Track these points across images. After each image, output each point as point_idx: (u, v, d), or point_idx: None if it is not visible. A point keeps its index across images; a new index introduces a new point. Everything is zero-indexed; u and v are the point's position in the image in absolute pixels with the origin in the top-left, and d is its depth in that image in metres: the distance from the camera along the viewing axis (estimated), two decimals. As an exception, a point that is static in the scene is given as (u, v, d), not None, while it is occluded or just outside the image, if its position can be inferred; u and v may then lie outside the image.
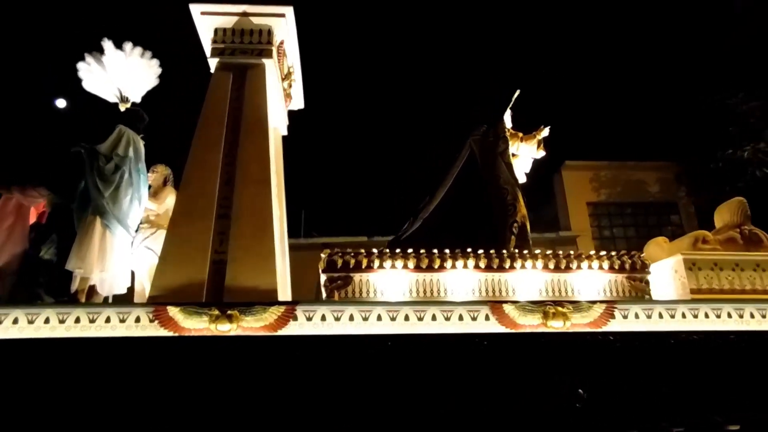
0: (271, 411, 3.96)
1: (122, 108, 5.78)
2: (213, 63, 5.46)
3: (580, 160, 13.89)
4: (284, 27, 5.60)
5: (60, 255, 4.47)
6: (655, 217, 13.49)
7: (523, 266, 4.84)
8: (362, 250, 4.78)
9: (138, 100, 5.82)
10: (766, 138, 11.44)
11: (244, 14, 5.46)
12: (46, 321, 4.10)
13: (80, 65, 5.71)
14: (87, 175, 4.53)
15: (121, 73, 5.67)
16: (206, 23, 5.50)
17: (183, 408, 3.95)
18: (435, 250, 4.79)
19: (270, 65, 5.48)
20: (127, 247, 4.70)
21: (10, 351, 3.99)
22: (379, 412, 3.94)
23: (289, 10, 5.49)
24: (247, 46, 5.46)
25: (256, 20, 5.50)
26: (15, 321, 4.07)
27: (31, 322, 4.09)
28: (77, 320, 4.12)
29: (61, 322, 4.10)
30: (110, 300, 4.70)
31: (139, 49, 5.63)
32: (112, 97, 5.81)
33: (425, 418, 3.92)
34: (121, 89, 5.73)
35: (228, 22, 5.49)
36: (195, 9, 5.40)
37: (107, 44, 5.61)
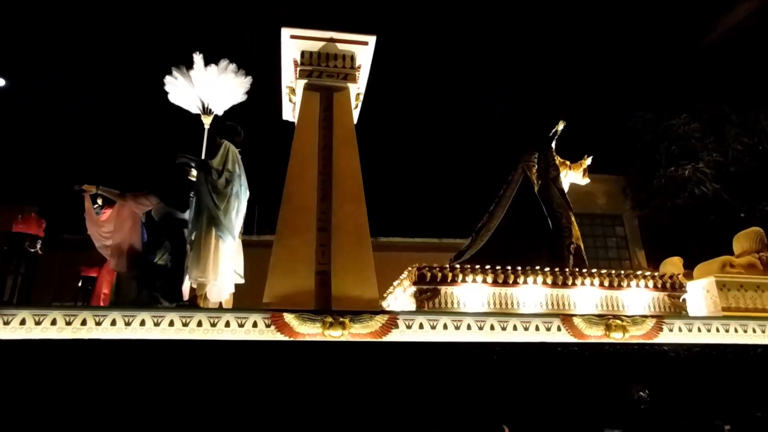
0: (378, 410, 4.41)
1: (204, 120, 6.07)
2: (300, 84, 5.82)
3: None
4: (364, 54, 6.04)
5: (173, 261, 4.75)
6: (602, 228, 14.01)
7: (582, 283, 5.49)
8: (446, 265, 5.29)
9: (221, 113, 6.13)
10: (705, 159, 12.35)
11: (331, 40, 5.87)
12: (171, 324, 4.40)
13: (167, 78, 5.96)
14: (201, 188, 4.82)
15: (207, 87, 5.95)
16: (293, 46, 5.87)
17: (298, 406, 4.34)
18: (509, 267, 5.37)
19: (353, 89, 5.91)
20: (231, 255, 5.02)
21: (136, 351, 4.28)
22: (476, 410, 4.47)
23: (372, 39, 5.93)
24: (332, 69, 5.86)
25: (341, 46, 5.92)
26: (142, 323, 4.35)
27: (156, 324, 4.38)
28: (199, 324, 4.44)
29: (185, 325, 4.41)
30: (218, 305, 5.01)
31: (228, 65, 5.93)
32: (195, 109, 6.09)
33: (514, 412, 4.47)
34: (206, 102, 6.02)
35: (315, 46, 5.88)
36: (286, 32, 5.76)
37: (197, 58, 5.88)
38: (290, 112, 7.00)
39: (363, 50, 5.99)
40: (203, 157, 5.75)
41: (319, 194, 5.22)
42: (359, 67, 6.15)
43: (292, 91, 6.46)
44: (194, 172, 5.35)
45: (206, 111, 6.03)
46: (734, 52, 15.80)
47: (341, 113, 5.66)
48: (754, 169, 12.44)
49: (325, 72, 5.83)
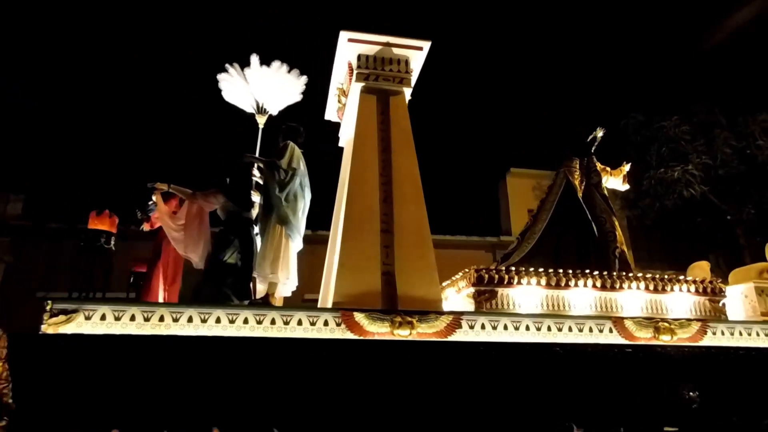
0: (447, 408, 4.55)
1: (259, 120, 6.15)
2: (357, 87, 5.91)
3: (525, 167, 14.50)
4: (418, 59, 6.16)
5: (243, 259, 4.84)
6: None
7: (629, 287, 5.69)
8: (502, 268, 5.45)
9: (275, 113, 6.20)
10: (694, 161, 12.60)
11: (387, 44, 5.97)
12: (245, 321, 4.50)
13: (221, 76, 6.02)
14: (270, 188, 4.91)
15: (262, 87, 6.02)
16: (350, 49, 5.96)
17: (366, 403, 4.46)
18: (560, 270, 5.54)
19: (408, 93, 6.02)
20: (295, 253, 5.11)
21: (213, 347, 4.36)
22: (542, 409, 4.63)
23: (426, 45, 6.05)
24: (388, 73, 5.97)
25: (396, 50, 6.03)
26: (218, 320, 4.45)
27: (231, 321, 4.48)
28: (273, 322, 4.55)
29: (259, 323, 4.52)
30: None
31: (284, 66, 6.00)
32: (249, 108, 6.16)
33: (578, 411, 4.65)
34: (261, 101, 6.08)
35: (371, 50, 5.98)
36: (344, 35, 5.85)
37: (253, 59, 5.95)
38: (334, 112, 7.09)
39: (417, 55, 6.11)
40: (258, 155, 5.84)
41: (380, 196, 5.34)
42: (411, 72, 6.27)
43: (343, 92, 6.55)
44: (256, 171, 5.45)
45: (261, 110, 6.10)
46: (726, 57, 16.24)
47: (398, 117, 5.78)
48: (741, 172, 12.86)
49: (381, 76, 5.94)
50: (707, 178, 12.80)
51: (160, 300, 5.48)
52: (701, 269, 7.40)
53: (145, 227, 6.01)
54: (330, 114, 7.24)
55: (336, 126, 7.20)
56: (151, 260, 5.96)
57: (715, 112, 13.24)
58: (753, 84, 14.37)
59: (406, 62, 6.08)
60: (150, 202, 5.89)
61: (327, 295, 6.16)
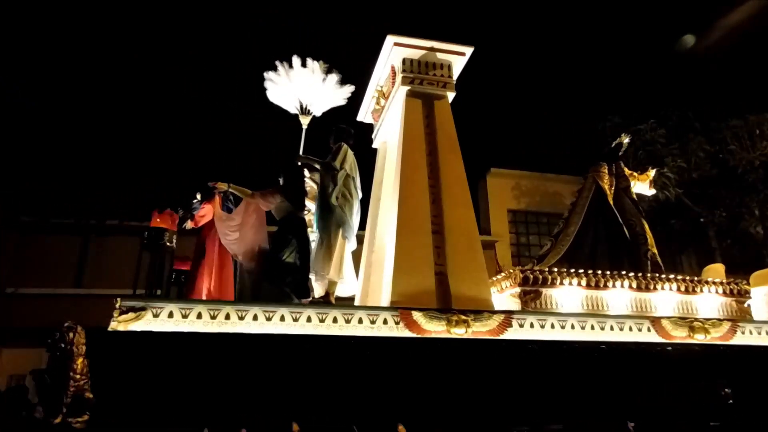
0: (502, 402, 4.72)
1: (303, 120, 6.23)
2: (402, 90, 6.01)
3: (505, 168, 14.66)
4: (459, 64, 6.31)
5: (301, 259, 4.93)
6: None
7: (662, 288, 5.94)
8: (545, 269, 5.65)
9: (319, 114, 6.29)
10: (669, 164, 13.03)
11: (432, 49, 6.11)
12: (308, 320, 4.60)
13: (267, 76, 6.09)
14: (326, 189, 5.01)
15: (307, 89, 6.11)
16: (395, 53, 6.07)
17: (426, 399, 4.61)
18: (599, 272, 5.76)
19: (451, 97, 6.17)
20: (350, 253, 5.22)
21: (277, 345, 4.46)
22: (594, 405, 4.84)
23: (469, 50, 6.20)
24: (432, 77, 6.10)
25: (440, 55, 6.17)
26: (282, 318, 4.54)
27: (295, 320, 4.57)
28: (335, 320, 4.66)
29: (321, 321, 4.62)
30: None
31: (328, 68, 6.10)
32: (293, 109, 6.24)
33: (629, 407, 4.87)
34: (305, 103, 6.17)
35: (415, 54, 6.11)
36: (390, 39, 5.95)
37: (296, 61, 6.04)
38: (369, 113, 7.20)
39: (459, 60, 6.26)
40: (301, 155, 5.94)
41: (430, 198, 5.47)
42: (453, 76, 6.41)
43: (382, 94, 6.66)
44: (306, 172, 5.54)
45: (304, 111, 6.18)
46: (702, 62, 16.76)
47: (443, 121, 5.91)
48: (714, 176, 13.38)
49: (426, 80, 6.07)
50: (681, 181, 13.24)
51: (204, 298, 5.55)
52: (716, 272, 7.72)
53: (189, 225, 6.06)
54: (362, 115, 7.34)
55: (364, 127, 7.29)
56: (195, 258, 6.02)
57: (689, 116, 13.75)
58: (726, 90, 14.93)
59: (449, 67, 6.22)
60: (194, 201, 5.95)
61: (367, 293, 6.29)
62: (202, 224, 5.96)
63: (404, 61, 6.09)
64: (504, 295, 5.74)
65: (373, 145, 7.27)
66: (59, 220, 12.16)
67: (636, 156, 13.44)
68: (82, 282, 12.13)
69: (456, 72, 6.35)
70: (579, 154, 15.33)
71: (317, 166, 5.26)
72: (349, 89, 6.23)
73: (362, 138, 7.49)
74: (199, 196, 5.91)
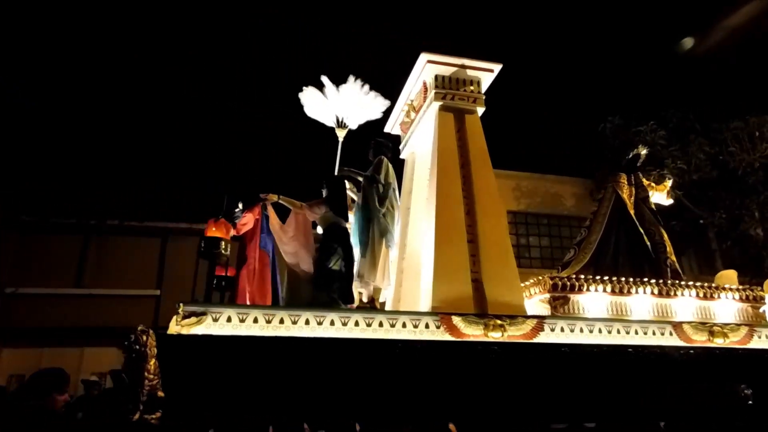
0: (535, 403, 5.02)
1: (339, 134, 6.54)
2: (435, 105, 6.32)
3: (505, 169, 14.33)
4: (487, 80, 6.62)
5: (346, 266, 5.22)
6: (568, 229, 14.44)
7: (682, 294, 6.24)
8: (573, 276, 5.95)
9: (355, 127, 6.60)
10: (669, 166, 13.08)
11: (462, 66, 6.42)
12: (356, 324, 4.90)
13: (304, 92, 6.40)
14: (370, 201, 5.31)
15: (343, 103, 6.42)
16: (428, 69, 6.39)
17: (469, 399, 4.90)
18: (623, 279, 6.07)
19: (480, 112, 6.48)
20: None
21: (331, 348, 4.75)
22: (625, 405, 5.14)
23: (498, 67, 6.51)
24: (463, 93, 6.42)
25: (470, 72, 6.48)
26: (332, 323, 4.83)
27: (344, 324, 4.86)
28: (380, 324, 4.95)
29: (368, 325, 4.92)
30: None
31: (364, 83, 6.42)
32: (329, 122, 6.55)
33: (659, 407, 5.17)
34: (341, 116, 6.48)
35: (447, 71, 6.42)
36: (424, 57, 6.27)
37: (325, 79, 6.35)
38: (398, 126, 7.51)
39: (487, 77, 6.57)
40: (337, 167, 6.25)
41: (464, 209, 5.78)
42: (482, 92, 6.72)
43: (413, 108, 6.97)
44: (347, 183, 5.84)
45: (340, 124, 6.49)
46: (703, 64, 17.04)
47: (474, 135, 6.22)
48: (714, 178, 13.47)
49: (457, 95, 6.38)
50: (682, 182, 13.31)
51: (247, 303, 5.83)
52: (728, 278, 8.03)
53: (231, 233, 6.35)
54: (389, 126, 7.64)
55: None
56: (237, 265, 6.32)
57: (689, 118, 13.90)
58: (726, 92, 15.13)
59: (479, 83, 6.54)
60: (236, 210, 6.24)
61: (399, 299, 6.58)
62: (243, 232, 6.28)
63: (436, 77, 6.40)
64: (533, 301, 6.04)
65: (401, 156, 7.58)
66: (60, 220, 12.27)
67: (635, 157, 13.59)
68: (82, 282, 12.27)
69: (484, 87, 6.67)
70: (579, 155, 15.63)
71: (360, 179, 5.57)
72: (384, 103, 6.53)
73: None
74: (241, 205, 6.22)
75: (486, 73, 6.54)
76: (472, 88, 6.49)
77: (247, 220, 6.19)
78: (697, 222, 14.31)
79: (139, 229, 12.73)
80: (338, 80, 6.52)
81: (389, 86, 7.17)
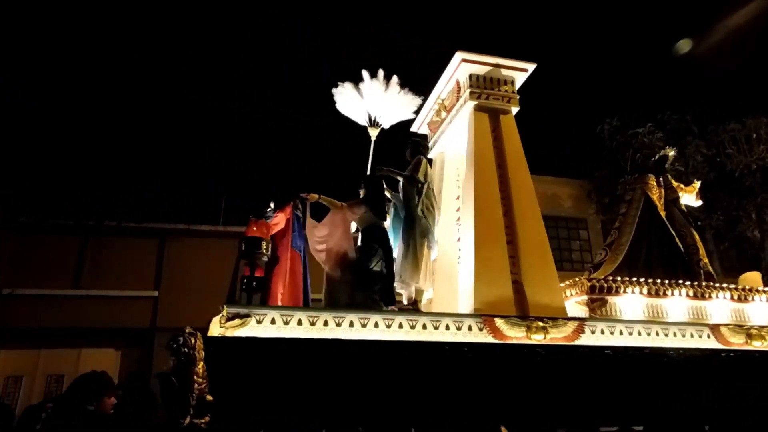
0: (583, 405, 4.97)
1: (371, 132, 6.45)
2: (469, 105, 6.24)
3: None
4: (520, 80, 6.56)
5: (386, 267, 5.15)
6: (566, 230, 14.49)
7: (716, 296, 6.22)
8: (609, 278, 5.91)
9: (387, 126, 6.52)
10: (666, 168, 12.91)
11: (497, 65, 6.35)
12: (400, 326, 4.82)
13: (336, 89, 6.31)
14: (411, 201, 5.24)
15: (376, 101, 6.33)
16: (462, 69, 6.31)
17: (504, 402, 4.84)
18: (658, 281, 6.03)
19: (514, 112, 6.42)
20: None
21: (370, 350, 4.67)
22: (670, 406, 5.10)
23: (531, 67, 6.45)
24: (498, 93, 6.35)
25: (504, 71, 6.41)
26: (375, 325, 4.76)
27: (388, 326, 4.79)
28: (424, 326, 4.88)
29: (412, 327, 4.84)
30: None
31: (399, 82, 6.33)
32: (362, 121, 6.46)
33: (701, 409, 5.13)
34: (374, 115, 6.40)
35: (481, 70, 6.35)
36: (459, 55, 6.19)
37: (366, 74, 6.26)
38: (425, 124, 7.43)
39: (520, 77, 6.51)
40: (369, 166, 6.17)
41: (502, 210, 5.71)
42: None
43: (444, 107, 6.90)
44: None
45: (373, 123, 6.41)
46: (700, 66, 17.12)
47: (509, 135, 6.16)
48: (712, 180, 13.45)
49: (492, 95, 6.31)
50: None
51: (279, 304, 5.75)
52: (753, 280, 8.03)
53: (246, 232, 6.26)
54: (417, 125, 7.56)
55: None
56: (268, 265, 6.23)
57: (687, 120, 13.97)
58: (723, 94, 15.22)
59: (512, 82, 6.47)
60: (268, 210, 6.15)
61: (431, 300, 6.50)
62: (274, 232, 6.19)
63: (471, 76, 6.32)
64: (570, 302, 5.99)
65: (429, 155, 7.49)
66: (58, 221, 12.12)
67: (634, 159, 13.59)
68: (80, 283, 12.13)
69: (517, 87, 6.61)
70: (577, 156, 15.68)
71: (399, 179, 5.49)
72: (416, 101, 6.46)
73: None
74: (272, 205, 6.13)
75: (519, 73, 6.47)
76: (506, 87, 6.42)
77: (278, 220, 6.11)
78: (695, 224, 14.30)
79: (137, 230, 12.61)
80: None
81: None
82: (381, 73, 6.39)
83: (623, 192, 7.59)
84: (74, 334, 11.81)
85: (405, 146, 5.87)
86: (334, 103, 6.42)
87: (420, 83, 6.87)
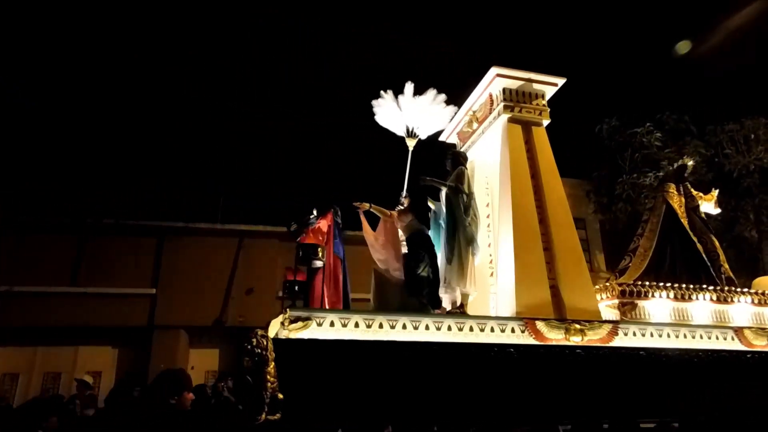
0: (623, 400, 5.27)
1: (409, 143, 6.74)
2: (503, 117, 6.55)
3: None
4: (550, 93, 6.88)
5: (433, 272, 5.43)
6: None
7: (738, 300, 6.54)
8: (639, 283, 6.23)
9: (424, 137, 6.81)
10: (665, 168, 13.14)
11: (529, 80, 6.66)
12: (449, 329, 5.10)
13: (376, 102, 6.60)
14: (456, 210, 5.52)
15: (414, 113, 6.62)
16: (496, 83, 6.62)
17: (539, 400, 5.12)
18: (683, 285, 6.35)
19: (545, 124, 6.73)
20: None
21: (427, 351, 4.94)
22: (693, 402, 5.40)
23: (561, 81, 6.77)
24: (530, 106, 6.66)
25: (535, 86, 6.73)
26: (426, 327, 5.03)
27: (438, 328, 5.06)
28: (471, 329, 5.16)
29: (459, 330, 5.12)
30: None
31: (437, 94, 6.62)
32: (400, 132, 6.75)
33: (727, 407, 5.44)
34: (411, 126, 6.68)
35: (514, 84, 6.66)
36: (494, 70, 6.50)
37: (408, 86, 6.55)
38: (454, 135, 7.73)
39: (550, 90, 6.83)
40: (407, 175, 6.45)
41: (537, 218, 6.01)
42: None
43: (476, 118, 7.20)
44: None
45: (411, 134, 6.69)
46: (699, 66, 17.46)
47: (542, 146, 6.47)
48: (710, 180, 13.45)
49: (524, 108, 6.62)
50: None
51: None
52: (766, 284, 8.37)
53: (302, 239, 6.53)
54: (446, 135, 7.85)
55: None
56: (310, 270, 6.49)
57: (685, 120, 14.17)
58: (722, 94, 15.51)
59: (543, 96, 6.79)
60: (311, 216, 6.42)
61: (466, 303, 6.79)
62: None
63: (504, 90, 6.63)
64: (601, 306, 6.28)
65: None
66: (56, 219, 12.21)
67: (632, 159, 13.80)
68: (77, 281, 12.20)
69: (546, 100, 6.92)
70: (576, 156, 15.90)
71: (443, 189, 5.78)
72: (451, 112, 6.74)
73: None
74: (315, 212, 6.40)
75: (549, 87, 6.79)
76: (537, 101, 6.74)
77: (320, 227, 6.39)
78: None
79: (135, 228, 12.67)
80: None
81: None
82: (410, 86, 6.61)
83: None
84: (71, 332, 11.95)
85: (445, 157, 6.17)
86: (373, 115, 6.70)
87: (420, 83, 6.93)
